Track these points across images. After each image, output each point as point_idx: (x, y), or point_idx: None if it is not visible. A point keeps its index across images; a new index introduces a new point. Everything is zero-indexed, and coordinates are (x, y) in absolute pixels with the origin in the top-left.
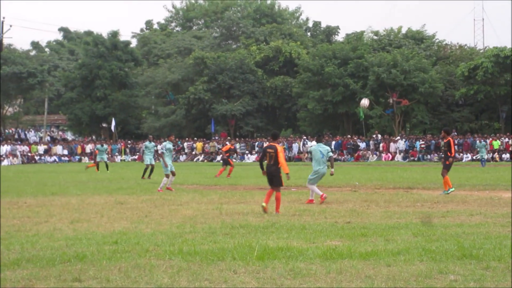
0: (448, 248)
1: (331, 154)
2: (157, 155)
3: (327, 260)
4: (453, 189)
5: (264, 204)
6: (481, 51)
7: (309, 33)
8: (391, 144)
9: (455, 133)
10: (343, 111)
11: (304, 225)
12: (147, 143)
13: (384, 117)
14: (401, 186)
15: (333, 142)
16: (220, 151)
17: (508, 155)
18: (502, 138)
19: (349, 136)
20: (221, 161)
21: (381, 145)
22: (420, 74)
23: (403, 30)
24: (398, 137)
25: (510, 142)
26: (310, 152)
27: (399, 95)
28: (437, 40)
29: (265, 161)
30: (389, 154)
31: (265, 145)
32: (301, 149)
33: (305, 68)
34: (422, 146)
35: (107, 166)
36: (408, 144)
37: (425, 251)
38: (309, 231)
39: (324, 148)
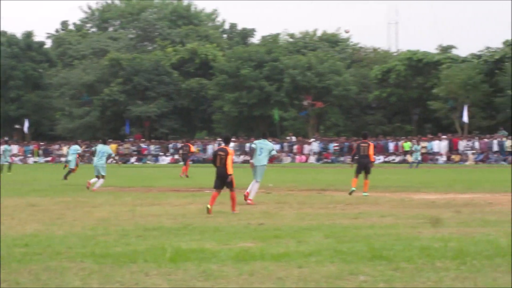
0: (359, 249)
1: (274, 152)
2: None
3: (239, 261)
4: (354, 189)
5: (209, 206)
6: (394, 54)
7: (225, 35)
8: (305, 146)
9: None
10: (258, 114)
11: (218, 226)
12: (76, 146)
13: (299, 119)
14: (315, 188)
15: (248, 144)
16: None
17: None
18: (413, 141)
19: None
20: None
21: (295, 147)
22: (335, 76)
23: (318, 33)
24: (312, 139)
25: (422, 144)
26: (254, 145)
27: (314, 97)
28: (351, 43)
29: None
30: (303, 156)
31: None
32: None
33: (221, 70)
34: (336, 148)
35: (9, 167)
36: (322, 146)
37: (336, 252)
38: (222, 232)
39: (267, 145)
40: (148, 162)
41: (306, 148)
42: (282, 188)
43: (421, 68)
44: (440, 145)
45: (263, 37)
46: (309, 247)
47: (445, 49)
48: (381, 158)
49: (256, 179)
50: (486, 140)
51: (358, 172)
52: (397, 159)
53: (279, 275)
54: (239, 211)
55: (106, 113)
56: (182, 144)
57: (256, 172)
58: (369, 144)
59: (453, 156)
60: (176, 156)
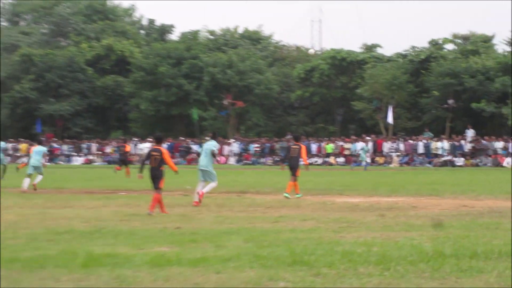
0: (280, 254)
1: (213, 148)
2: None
3: (154, 267)
4: (287, 195)
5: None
6: (318, 53)
7: (143, 31)
8: (225, 146)
9: (290, 136)
10: (176, 113)
11: (132, 230)
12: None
13: (218, 119)
14: (234, 190)
15: (165, 145)
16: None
17: (343, 159)
18: (336, 142)
19: (182, 138)
20: (120, 161)
21: None
22: (256, 75)
23: (240, 30)
24: (232, 140)
25: (345, 146)
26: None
27: (234, 96)
28: (274, 41)
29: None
30: (222, 157)
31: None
32: (133, 151)
33: (138, 67)
34: (257, 149)
35: None
36: (242, 147)
37: (256, 257)
38: (137, 236)
39: (210, 144)
40: (60, 162)
41: (226, 149)
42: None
43: (345, 67)
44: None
45: (182, 34)
46: (227, 251)
47: (370, 48)
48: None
49: (205, 180)
50: (411, 141)
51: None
52: (320, 161)
53: (196, 280)
54: (155, 214)
55: (17, 111)
56: (118, 145)
57: (204, 174)
58: (300, 147)
59: (377, 158)
60: (91, 157)
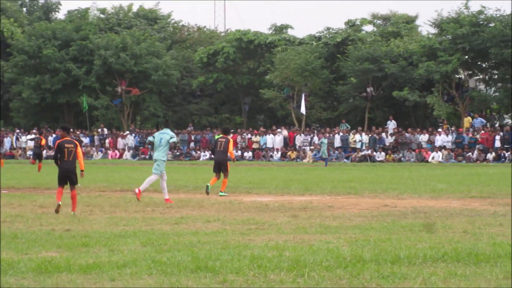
0: (181, 260)
1: (174, 139)
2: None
3: (41, 274)
4: (209, 185)
5: (60, 202)
6: (222, 35)
7: (25, 9)
8: (119, 139)
9: (192, 128)
10: (63, 101)
11: (16, 233)
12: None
13: (112, 108)
14: (130, 188)
15: (51, 138)
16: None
17: (250, 153)
18: (243, 135)
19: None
20: (32, 155)
21: (107, 140)
22: (153, 59)
23: (134, 9)
24: (127, 132)
25: (252, 139)
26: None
27: (129, 83)
28: (172, 21)
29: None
30: (116, 151)
31: None
32: (15, 145)
33: (20, 50)
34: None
35: None
36: (139, 140)
37: (155, 262)
38: (21, 240)
39: (167, 133)
40: None
41: (120, 142)
42: (91, 189)
43: (252, 50)
44: (274, 140)
45: (69, 12)
46: (123, 256)
47: (280, 30)
48: (206, 155)
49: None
50: (326, 134)
51: (215, 169)
52: None
53: None
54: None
55: None
56: (34, 137)
57: (162, 168)
58: (228, 140)
59: (289, 153)
60: None
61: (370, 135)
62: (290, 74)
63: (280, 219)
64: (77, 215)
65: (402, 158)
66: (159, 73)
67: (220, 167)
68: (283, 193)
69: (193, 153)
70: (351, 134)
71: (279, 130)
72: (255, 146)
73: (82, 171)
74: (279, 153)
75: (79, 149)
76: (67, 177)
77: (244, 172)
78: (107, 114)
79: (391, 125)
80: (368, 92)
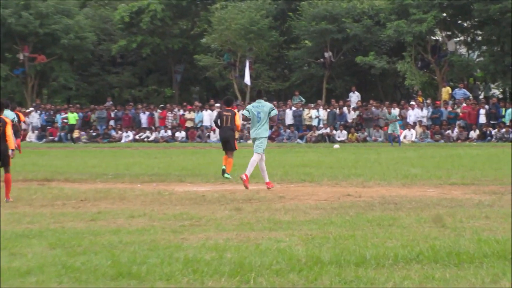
0: (99, 264)
1: (275, 112)
2: None
3: None
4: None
5: None
6: None
7: None
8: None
9: (111, 103)
10: None
11: None
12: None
13: (12, 79)
14: (35, 178)
15: None
16: None
17: (183, 133)
18: (174, 111)
19: None
20: None
21: None
22: (63, 19)
23: None
24: (32, 108)
25: (186, 115)
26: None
27: (33, 48)
28: None
29: None
30: None
31: None
32: None
33: None
34: (66, 121)
35: None
36: (46, 119)
37: (66, 268)
38: None
39: (265, 105)
40: None
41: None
42: None
43: (185, 8)
44: (212, 117)
45: None
46: (27, 261)
47: None
48: (130, 135)
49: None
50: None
51: (223, 147)
52: (152, 136)
53: None
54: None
55: None
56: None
57: (262, 144)
58: (234, 113)
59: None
60: None
61: (328, 110)
62: (231, 37)
63: (220, 213)
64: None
65: (368, 138)
66: (70, 36)
67: (227, 145)
68: (223, 181)
69: (113, 133)
70: (305, 109)
71: (218, 104)
72: (189, 124)
73: (12, 150)
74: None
75: (8, 127)
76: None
77: (175, 156)
78: (7, 86)
79: (354, 97)
80: (326, 57)
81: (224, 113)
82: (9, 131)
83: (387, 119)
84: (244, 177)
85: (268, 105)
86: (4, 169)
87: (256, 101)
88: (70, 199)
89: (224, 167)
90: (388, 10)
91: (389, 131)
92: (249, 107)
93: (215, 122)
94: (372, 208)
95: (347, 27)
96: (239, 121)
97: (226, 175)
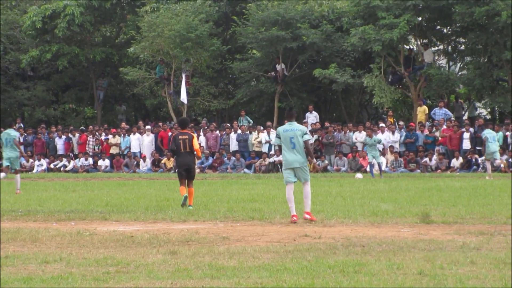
0: None
1: (307, 137)
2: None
3: None
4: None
5: None
6: None
7: None
8: None
9: (21, 125)
10: None
11: None
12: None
13: None
14: None
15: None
16: None
17: (107, 161)
18: (96, 134)
19: None
20: None
21: None
22: None
23: None
24: None
25: (110, 140)
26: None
27: None
28: None
29: None
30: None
31: None
32: None
33: None
34: None
35: None
36: None
37: None
38: None
39: (298, 128)
40: None
41: None
42: None
43: (109, 11)
44: (142, 142)
45: None
46: None
47: None
48: (43, 164)
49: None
50: (217, 133)
51: (181, 177)
52: (70, 165)
53: None
54: None
55: None
56: None
57: (294, 173)
58: (192, 136)
59: (164, 160)
60: None
61: None
62: (164, 46)
63: (152, 258)
64: None
65: (329, 166)
66: None
67: (189, 172)
68: (155, 219)
69: (23, 161)
70: (253, 132)
71: (148, 127)
72: (114, 150)
73: None
74: (150, 160)
75: None
76: None
77: (98, 189)
78: None
79: (312, 118)
80: (278, 70)
81: (180, 136)
82: None
83: (367, 144)
84: (308, 216)
85: (301, 127)
86: None
87: (287, 123)
88: None
89: (185, 195)
90: (352, 13)
91: (369, 160)
92: (279, 130)
93: (170, 148)
94: (334, 252)
95: (302, 34)
96: (197, 145)
97: (190, 207)
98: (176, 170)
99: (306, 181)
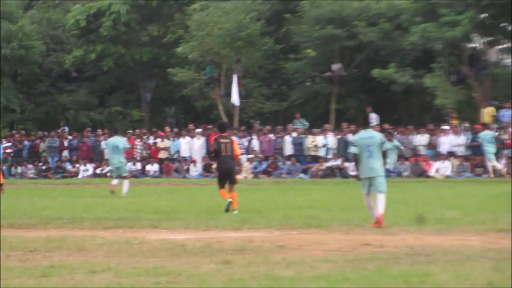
0: None
1: (387, 145)
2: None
3: None
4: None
5: None
6: None
7: None
8: None
9: (65, 129)
10: None
11: None
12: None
13: None
14: None
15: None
16: None
17: (156, 166)
18: (144, 138)
19: None
20: None
21: None
22: (3, 23)
23: None
24: None
25: (158, 144)
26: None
27: None
28: None
29: None
30: None
31: None
32: None
33: None
34: (8, 151)
35: None
36: None
37: None
38: None
39: (375, 136)
40: None
41: None
42: None
43: (156, 9)
44: (192, 146)
45: None
46: None
47: None
48: (89, 169)
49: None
50: (271, 136)
51: (222, 181)
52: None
53: None
54: None
55: None
56: None
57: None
58: (232, 140)
59: (214, 165)
60: None
61: (339, 137)
62: (214, 45)
63: (204, 267)
64: None
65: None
66: (13, 45)
67: (229, 177)
68: (207, 226)
69: (68, 166)
70: (309, 135)
71: (199, 130)
72: (162, 155)
73: None
74: (201, 165)
75: None
76: None
77: (147, 195)
78: None
79: (371, 121)
80: (334, 70)
81: (222, 140)
82: None
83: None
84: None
85: (379, 135)
86: None
87: (363, 131)
88: (16, 250)
89: (229, 200)
90: (412, 10)
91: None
92: (355, 139)
93: (212, 151)
94: (397, 261)
95: (359, 32)
96: (238, 150)
97: (234, 211)
98: (217, 174)
99: (381, 192)
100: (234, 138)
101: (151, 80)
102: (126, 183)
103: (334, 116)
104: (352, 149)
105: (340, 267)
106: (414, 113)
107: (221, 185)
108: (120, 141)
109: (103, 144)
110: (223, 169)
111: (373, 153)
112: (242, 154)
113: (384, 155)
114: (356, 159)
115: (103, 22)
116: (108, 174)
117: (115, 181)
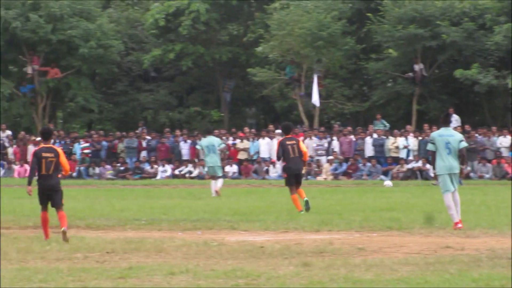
0: None
1: (464, 144)
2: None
3: None
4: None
5: None
6: None
7: None
8: (30, 147)
9: (144, 129)
10: None
11: None
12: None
13: (18, 99)
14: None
15: None
16: None
17: (235, 167)
18: (224, 138)
19: None
20: None
21: (10, 149)
22: (81, 22)
23: None
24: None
25: (238, 145)
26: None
27: (45, 59)
28: None
29: None
30: (26, 166)
31: None
32: None
33: None
34: (86, 151)
35: None
36: (62, 149)
37: None
38: None
39: (454, 134)
40: None
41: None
42: None
43: (236, 8)
44: (272, 146)
45: None
46: None
47: None
48: (167, 170)
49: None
50: (352, 137)
51: (291, 183)
52: (196, 171)
53: None
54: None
55: None
56: None
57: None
58: (298, 140)
59: None
60: None
61: (420, 138)
62: (295, 45)
63: (283, 270)
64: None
65: (472, 173)
66: (91, 44)
67: (298, 178)
68: (286, 228)
69: (146, 167)
70: (390, 136)
71: (278, 131)
72: (242, 156)
73: None
74: (279, 166)
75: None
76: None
77: (226, 196)
78: (11, 108)
79: (453, 122)
80: (416, 71)
81: (288, 142)
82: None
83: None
84: (459, 224)
85: (458, 134)
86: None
87: (443, 128)
88: (93, 251)
89: (305, 199)
90: (496, 10)
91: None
92: (433, 136)
93: (278, 155)
94: (478, 264)
95: (442, 32)
96: (305, 148)
97: (305, 199)
98: (285, 175)
99: (456, 189)
100: (301, 139)
101: (230, 80)
102: (220, 182)
103: (416, 117)
104: (429, 146)
105: (421, 270)
106: (497, 114)
107: (291, 188)
108: (215, 140)
109: (197, 145)
110: (293, 170)
111: (452, 151)
112: (321, 155)
113: (461, 154)
114: (432, 156)
115: (182, 21)
116: (204, 173)
117: (219, 183)
